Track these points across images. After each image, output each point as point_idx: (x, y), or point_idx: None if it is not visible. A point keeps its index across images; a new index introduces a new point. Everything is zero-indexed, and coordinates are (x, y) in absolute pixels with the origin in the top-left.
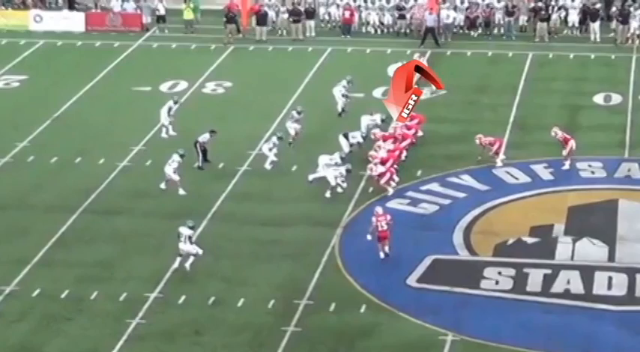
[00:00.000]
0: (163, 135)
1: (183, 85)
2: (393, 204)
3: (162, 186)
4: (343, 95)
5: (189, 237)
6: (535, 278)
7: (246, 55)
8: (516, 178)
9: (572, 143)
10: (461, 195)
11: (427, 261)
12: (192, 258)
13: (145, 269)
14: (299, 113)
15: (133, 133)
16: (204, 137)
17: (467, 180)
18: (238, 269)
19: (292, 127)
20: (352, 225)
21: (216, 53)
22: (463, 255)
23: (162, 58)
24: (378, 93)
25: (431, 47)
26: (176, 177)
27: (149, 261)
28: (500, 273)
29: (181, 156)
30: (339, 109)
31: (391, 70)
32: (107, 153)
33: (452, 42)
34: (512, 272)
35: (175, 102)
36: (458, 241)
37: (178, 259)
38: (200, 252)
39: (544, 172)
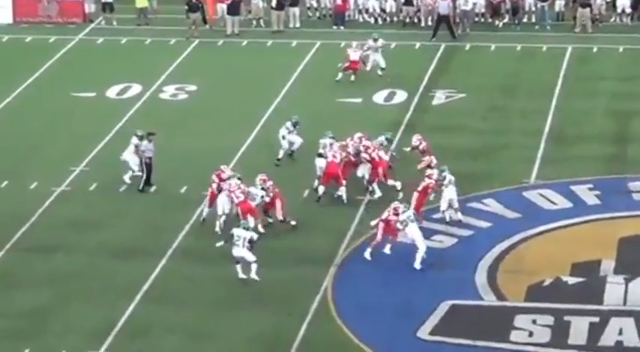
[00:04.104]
0: (127, 179)
1: (135, 89)
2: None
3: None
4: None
5: (251, 241)
6: (579, 328)
7: (215, 51)
8: (553, 203)
9: (431, 158)
10: (484, 224)
11: (443, 308)
12: (255, 266)
13: (89, 320)
14: (294, 125)
15: (72, 151)
16: (145, 146)
17: (492, 205)
18: (204, 319)
19: (288, 143)
20: (349, 262)
21: (177, 49)
22: (488, 299)
23: (109, 56)
24: (379, 98)
25: (445, 40)
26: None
27: (93, 309)
28: (534, 322)
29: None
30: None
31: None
32: (41, 175)
33: (471, 33)
34: (549, 320)
35: (141, 138)
36: (481, 282)
37: (238, 267)
38: (252, 259)
39: (588, 195)
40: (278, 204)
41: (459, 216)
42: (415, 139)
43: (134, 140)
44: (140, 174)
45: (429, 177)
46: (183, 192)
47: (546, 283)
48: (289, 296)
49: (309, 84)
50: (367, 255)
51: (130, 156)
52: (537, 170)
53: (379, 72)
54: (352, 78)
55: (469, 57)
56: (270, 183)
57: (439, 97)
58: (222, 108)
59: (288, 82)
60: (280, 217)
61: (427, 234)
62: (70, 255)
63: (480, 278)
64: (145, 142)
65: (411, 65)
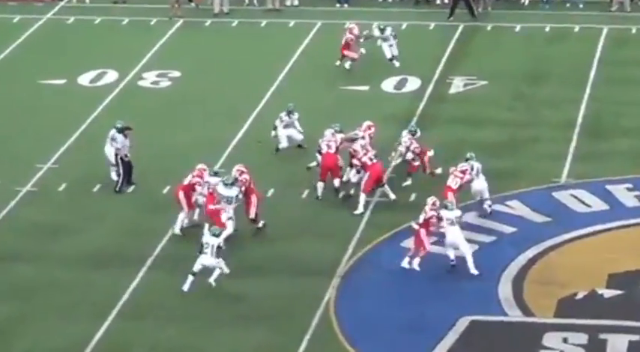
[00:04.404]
0: (113, 176)
1: (111, 75)
2: (411, 242)
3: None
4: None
5: (219, 248)
6: (616, 347)
7: (201, 32)
8: (587, 205)
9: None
10: (509, 229)
11: (462, 325)
12: (218, 271)
13: (57, 339)
14: (290, 113)
15: (39, 146)
16: (121, 141)
17: (517, 207)
18: (190, 338)
19: (285, 135)
20: (354, 272)
21: (159, 31)
22: (513, 315)
23: (81, 39)
24: (388, 85)
25: (464, 20)
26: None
27: (63, 326)
28: (566, 341)
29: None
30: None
31: None
32: (2, 173)
33: (494, 12)
34: (583, 338)
35: (121, 131)
36: (505, 295)
37: (189, 280)
38: (226, 270)
39: (627, 196)
40: (253, 199)
41: (489, 208)
42: (406, 138)
43: (111, 132)
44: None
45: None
46: (166, 193)
47: (579, 296)
48: (286, 311)
49: (308, 70)
50: (414, 265)
51: (108, 150)
52: (569, 167)
53: (395, 62)
54: (347, 65)
55: (491, 39)
56: (246, 176)
57: (457, 85)
58: (210, 98)
59: (284, 68)
60: (251, 215)
61: (442, 239)
62: (35, 264)
63: (504, 290)
64: (120, 137)
65: (425, 48)
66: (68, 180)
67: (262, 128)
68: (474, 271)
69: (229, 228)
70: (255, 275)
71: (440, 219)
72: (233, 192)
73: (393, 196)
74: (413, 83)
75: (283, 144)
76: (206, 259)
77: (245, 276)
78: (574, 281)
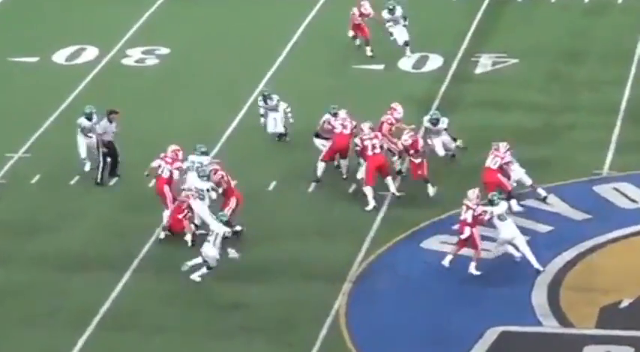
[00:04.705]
0: (87, 168)
1: (90, 52)
2: (432, 242)
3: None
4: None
5: (225, 237)
6: None
7: (194, 3)
8: (632, 200)
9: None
10: (544, 227)
11: (491, 336)
12: (204, 269)
13: (29, 349)
14: (266, 98)
15: (9, 132)
16: (103, 126)
17: (553, 203)
18: (182, 350)
19: (272, 121)
20: (367, 277)
21: (144, 0)
22: (548, 324)
23: (56, 10)
24: (406, 64)
25: None
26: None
27: (36, 337)
28: None
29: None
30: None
31: None
32: None
33: None
34: None
35: (89, 117)
36: (539, 302)
37: (202, 271)
38: (237, 256)
39: None
40: (232, 202)
41: (543, 192)
42: (406, 136)
43: (79, 120)
44: (87, 162)
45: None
46: (153, 186)
47: (624, 304)
48: (291, 320)
49: (315, 45)
50: (472, 269)
51: (80, 141)
52: (611, 158)
53: (407, 53)
54: (357, 42)
55: (523, 11)
56: (221, 173)
57: (484, 64)
58: (203, 78)
59: (288, 43)
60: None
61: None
62: (5, 266)
63: (539, 297)
64: (103, 122)
65: (448, 21)
66: (42, 171)
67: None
68: (538, 267)
69: (214, 224)
70: (255, 279)
71: (485, 214)
72: (205, 185)
73: (394, 191)
74: (434, 61)
75: (270, 128)
76: (209, 249)
77: (244, 281)
78: (618, 286)
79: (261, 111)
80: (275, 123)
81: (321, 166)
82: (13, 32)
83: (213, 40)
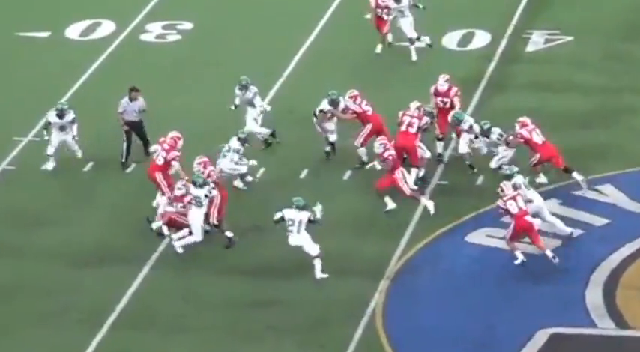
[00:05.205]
0: (49, 167)
1: (107, 27)
2: (477, 236)
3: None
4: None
5: (311, 221)
6: None
7: None
8: None
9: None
10: (600, 220)
11: (540, 338)
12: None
13: (38, 350)
14: (243, 88)
15: (17, 115)
16: (123, 104)
17: (610, 194)
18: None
19: (252, 121)
20: (406, 274)
21: None
22: (603, 326)
23: None
24: (450, 41)
25: None
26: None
27: (46, 337)
28: None
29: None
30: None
31: None
32: None
33: None
34: None
35: (60, 114)
36: (594, 302)
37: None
38: (315, 253)
39: None
40: (217, 199)
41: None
42: (379, 144)
43: (50, 115)
44: (52, 162)
45: None
46: (174, 174)
47: None
48: (324, 320)
49: (350, 21)
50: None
51: (55, 137)
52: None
53: (415, 44)
54: (378, 49)
55: None
56: (211, 168)
57: (536, 41)
58: (229, 56)
59: (323, 16)
60: (214, 221)
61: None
62: (13, 260)
63: (593, 296)
64: (123, 100)
65: None
66: (53, 157)
67: (292, 95)
68: (567, 230)
69: (197, 236)
70: (286, 275)
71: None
72: (202, 191)
73: (412, 183)
74: (481, 38)
75: (248, 127)
76: (295, 239)
77: (273, 277)
78: None
79: (237, 101)
80: (256, 123)
81: (363, 151)
82: (22, 5)
83: (240, 13)
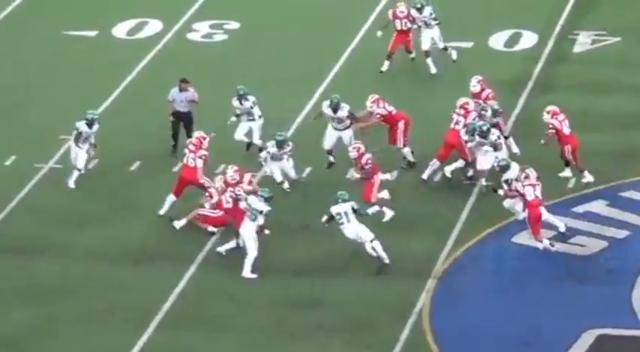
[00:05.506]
0: (71, 184)
1: (154, 26)
2: (524, 236)
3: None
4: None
5: (354, 210)
6: None
7: None
8: None
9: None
10: None
11: (586, 340)
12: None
13: (84, 350)
14: (241, 98)
15: (65, 113)
16: (172, 94)
17: None
18: (249, 351)
19: (246, 129)
20: (453, 274)
21: None
22: None
23: None
24: (497, 41)
25: None
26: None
27: (91, 337)
28: None
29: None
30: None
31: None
32: (18, 146)
33: None
34: None
35: (90, 123)
36: None
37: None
38: (371, 237)
39: None
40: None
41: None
42: (352, 149)
43: (80, 125)
44: (81, 171)
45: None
46: (221, 172)
47: None
48: (370, 320)
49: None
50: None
51: (75, 150)
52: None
53: (453, 55)
54: (384, 67)
55: None
56: (248, 176)
57: (583, 42)
58: (275, 57)
59: (370, 16)
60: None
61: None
62: (59, 260)
63: None
64: (173, 90)
65: None
66: (100, 156)
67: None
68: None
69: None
70: (332, 275)
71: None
72: (262, 206)
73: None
74: (528, 39)
75: (240, 135)
76: (349, 229)
77: (319, 276)
78: None
79: (237, 111)
80: (250, 133)
81: (407, 151)
82: (70, 4)
83: (287, 13)
